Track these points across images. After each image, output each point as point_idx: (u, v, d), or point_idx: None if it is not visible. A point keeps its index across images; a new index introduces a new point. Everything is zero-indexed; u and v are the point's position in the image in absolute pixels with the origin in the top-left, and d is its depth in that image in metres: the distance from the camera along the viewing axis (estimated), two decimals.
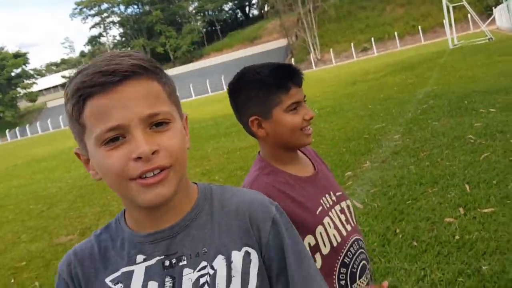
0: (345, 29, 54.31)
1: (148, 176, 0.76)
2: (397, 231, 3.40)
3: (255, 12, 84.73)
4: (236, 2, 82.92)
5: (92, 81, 0.75)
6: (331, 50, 50.04)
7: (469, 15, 32.63)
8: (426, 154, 5.20)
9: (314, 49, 53.43)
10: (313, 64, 50.86)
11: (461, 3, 25.06)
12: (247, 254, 0.83)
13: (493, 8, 38.36)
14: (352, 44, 48.49)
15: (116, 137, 0.75)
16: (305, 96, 1.32)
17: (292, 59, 52.46)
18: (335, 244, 1.22)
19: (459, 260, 2.78)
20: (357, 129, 7.80)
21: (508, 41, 19.27)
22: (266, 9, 69.44)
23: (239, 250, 0.83)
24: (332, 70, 33.71)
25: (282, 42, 60.63)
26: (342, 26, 55.09)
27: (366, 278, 1.27)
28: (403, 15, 50.69)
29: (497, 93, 7.71)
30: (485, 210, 3.37)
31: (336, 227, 1.24)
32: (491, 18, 34.09)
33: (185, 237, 0.83)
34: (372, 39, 46.93)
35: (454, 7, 27.42)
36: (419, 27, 44.61)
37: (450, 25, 24.91)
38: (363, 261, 1.27)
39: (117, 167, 0.75)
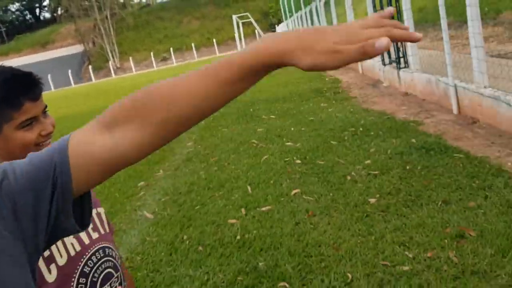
0: (144, 38, 53.97)
1: None
2: (185, 237, 3.40)
3: (47, 15, 77.43)
4: (24, 3, 74.37)
5: None
6: (130, 58, 49.02)
7: (256, 31, 35.98)
8: (215, 159, 5.42)
9: (113, 57, 51.61)
10: (112, 72, 49.07)
11: (249, 19, 27.45)
12: None
13: (276, 26, 43.21)
14: (151, 53, 48.43)
15: None
16: (46, 106, 1.17)
17: (90, 66, 49.75)
18: (72, 253, 1.14)
19: (239, 259, 2.91)
20: None
21: None
22: (59, 12, 64.14)
23: None
24: (132, 79, 33.02)
25: (78, 48, 56.76)
26: (141, 35, 54.62)
27: (111, 287, 1.22)
28: (199, 27, 53.00)
29: (276, 102, 8.59)
30: (263, 209, 3.64)
31: (76, 236, 1.17)
32: None
33: None
34: (171, 49, 47.76)
35: (243, 23, 29.89)
36: (214, 40, 47.27)
37: (240, 39, 27.04)
38: (108, 269, 1.22)
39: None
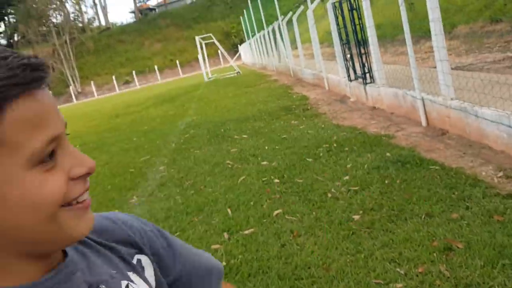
0: (105, 61, 53.36)
1: (83, 199, 0.59)
2: None
3: (3, 41, 75.35)
4: None
5: (21, 77, 0.53)
6: (92, 82, 48.27)
7: (219, 51, 36.14)
8: (190, 182, 5.31)
9: (73, 82, 50.71)
10: (73, 97, 48.10)
11: (212, 40, 27.55)
12: (138, 261, 0.75)
13: (239, 45, 43.61)
14: (113, 77, 47.83)
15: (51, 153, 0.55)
16: None
17: (50, 92, 48.59)
18: None
19: None
20: (122, 164, 7.51)
21: (251, 75, 22.03)
22: (16, 38, 62.61)
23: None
24: (95, 103, 32.40)
25: None
26: (102, 59, 53.98)
27: None
28: (161, 49, 52.91)
29: (246, 121, 8.57)
30: (246, 232, 3.56)
31: None
32: (237, 55, 38.63)
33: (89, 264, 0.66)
34: (134, 72, 47.32)
35: (206, 44, 29.94)
36: (177, 61, 47.18)
37: (204, 60, 27.06)
38: None
39: (59, 192, 0.55)
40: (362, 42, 7.66)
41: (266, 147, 6.16)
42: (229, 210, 4.10)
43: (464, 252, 2.57)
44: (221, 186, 4.86)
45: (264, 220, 3.70)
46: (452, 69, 7.63)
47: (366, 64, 7.78)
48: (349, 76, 8.81)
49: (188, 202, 4.60)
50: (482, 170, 3.82)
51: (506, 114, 4.03)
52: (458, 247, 2.64)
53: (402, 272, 2.52)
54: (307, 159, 5.15)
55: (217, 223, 3.87)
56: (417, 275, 2.46)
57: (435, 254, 2.62)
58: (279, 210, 3.81)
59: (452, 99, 5.07)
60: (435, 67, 5.35)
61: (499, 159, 4.01)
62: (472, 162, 4.06)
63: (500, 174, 3.66)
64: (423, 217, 3.10)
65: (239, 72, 24.80)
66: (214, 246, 3.42)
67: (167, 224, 4.14)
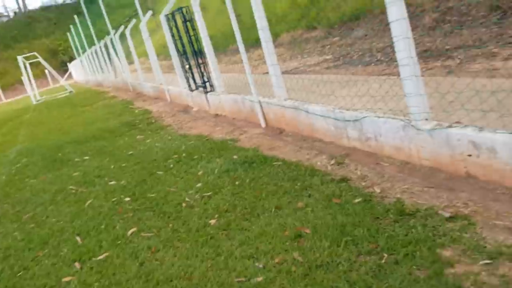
0: None
1: None
2: None
3: None
4: None
5: None
6: None
7: (46, 71, 33.29)
8: (29, 215, 4.76)
9: None
10: None
11: (37, 59, 25.23)
12: None
13: (68, 63, 40.76)
14: None
15: None
16: None
17: None
18: None
19: None
20: None
21: (86, 93, 20.78)
22: None
23: None
24: None
25: None
26: None
27: None
28: None
29: (87, 142, 8.05)
30: (100, 257, 3.33)
31: None
32: (68, 73, 36.05)
33: None
34: None
35: (31, 64, 27.27)
36: None
37: (30, 81, 24.63)
38: None
39: None
40: (199, 53, 7.83)
41: (112, 166, 5.87)
42: (78, 238, 3.79)
43: (312, 236, 2.80)
44: (66, 214, 4.46)
45: (119, 242, 3.51)
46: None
47: (205, 74, 7.98)
48: (189, 86, 8.91)
49: (30, 237, 4.12)
50: (317, 161, 4.22)
51: (332, 109, 4.53)
52: (306, 233, 2.86)
53: (260, 266, 2.63)
54: (158, 172, 5.05)
55: (66, 254, 3.54)
56: (274, 266, 2.60)
57: (287, 243, 2.80)
58: (134, 229, 3.66)
59: (285, 99, 5.49)
60: (267, 73, 5.74)
61: (330, 149, 4.47)
62: (308, 155, 4.46)
63: (332, 162, 4.09)
64: (273, 210, 3.30)
65: (71, 91, 23.18)
66: (65, 279, 3.13)
67: (8, 264, 3.65)
